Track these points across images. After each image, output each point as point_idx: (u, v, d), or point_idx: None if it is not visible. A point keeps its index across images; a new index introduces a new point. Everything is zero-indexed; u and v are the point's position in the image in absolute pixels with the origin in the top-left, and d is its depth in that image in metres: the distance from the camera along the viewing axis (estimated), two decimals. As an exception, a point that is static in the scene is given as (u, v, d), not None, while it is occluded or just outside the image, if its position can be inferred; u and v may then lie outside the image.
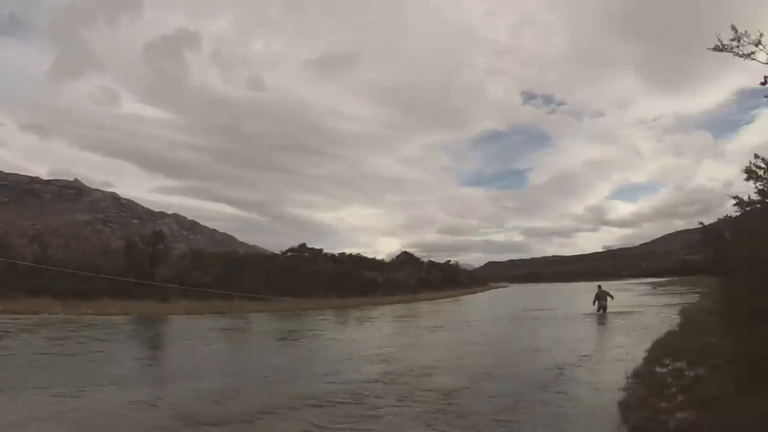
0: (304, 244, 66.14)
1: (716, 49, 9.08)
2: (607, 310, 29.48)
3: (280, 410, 9.16)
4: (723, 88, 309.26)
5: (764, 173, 10.80)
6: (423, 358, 15.56)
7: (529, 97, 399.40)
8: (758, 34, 8.64)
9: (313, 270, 56.22)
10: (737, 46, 8.80)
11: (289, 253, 64.76)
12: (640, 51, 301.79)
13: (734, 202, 13.15)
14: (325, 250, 69.24)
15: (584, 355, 14.91)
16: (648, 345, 14.54)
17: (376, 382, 11.85)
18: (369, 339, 22.24)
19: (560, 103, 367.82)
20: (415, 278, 70.81)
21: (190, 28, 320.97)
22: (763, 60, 8.62)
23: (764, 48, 8.53)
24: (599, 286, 31.77)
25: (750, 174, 10.94)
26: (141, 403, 9.77)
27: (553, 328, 24.07)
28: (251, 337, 24.18)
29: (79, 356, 15.91)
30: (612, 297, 30.66)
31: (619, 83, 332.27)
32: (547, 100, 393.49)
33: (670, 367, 10.83)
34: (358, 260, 71.96)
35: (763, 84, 8.78)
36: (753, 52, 8.67)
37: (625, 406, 8.21)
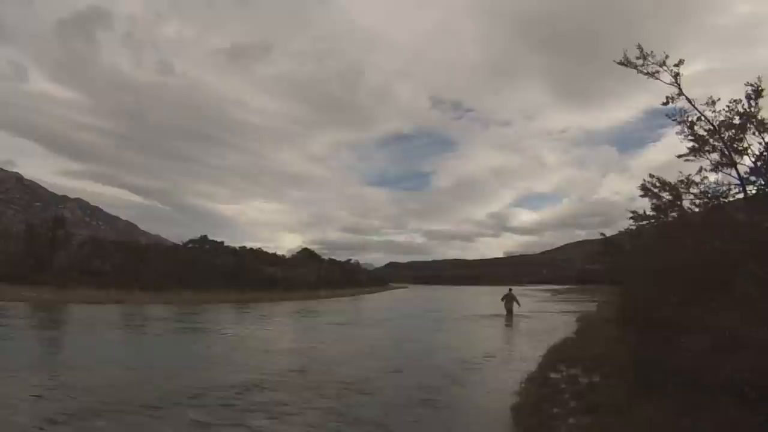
0: (205, 236, 66.21)
1: (621, 63, 9.44)
2: (513, 314, 30.95)
3: (165, 404, 8.88)
4: (631, 106, 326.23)
5: (658, 191, 11.38)
6: (330, 352, 16.07)
7: (437, 101, 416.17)
8: (663, 56, 9.04)
9: (213, 263, 55.58)
10: (642, 65, 9.18)
11: (190, 245, 64.54)
12: (550, 64, 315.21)
13: (630, 216, 13.79)
14: (226, 243, 69.81)
15: (485, 356, 15.32)
16: (544, 350, 14.93)
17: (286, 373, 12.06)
18: (272, 334, 22.14)
19: (468, 110, 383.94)
20: (315, 275, 70.85)
21: (103, 6, 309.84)
22: (667, 81, 9.03)
23: (668, 69, 8.94)
24: (510, 289, 33.53)
25: (645, 191, 11.46)
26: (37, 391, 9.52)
27: (453, 330, 24.87)
28: (148, 329, 23.44)
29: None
30: (519, 304, 32.26)
31: (527, 94, 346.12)
32: (455, 105, 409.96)
33: (564, 373, 11.09)
34: (259, 255, 72.87)
35: (665, 104, 9.22)
36: (657, 72, 9.06)
37: (517, 411, 8.30)
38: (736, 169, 8.43)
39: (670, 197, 9.86)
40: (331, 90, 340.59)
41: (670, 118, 9.26)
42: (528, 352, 15.51)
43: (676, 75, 9.00)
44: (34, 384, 10.25)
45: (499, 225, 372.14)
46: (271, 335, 21.73)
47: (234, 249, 69.37)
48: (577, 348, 14.17)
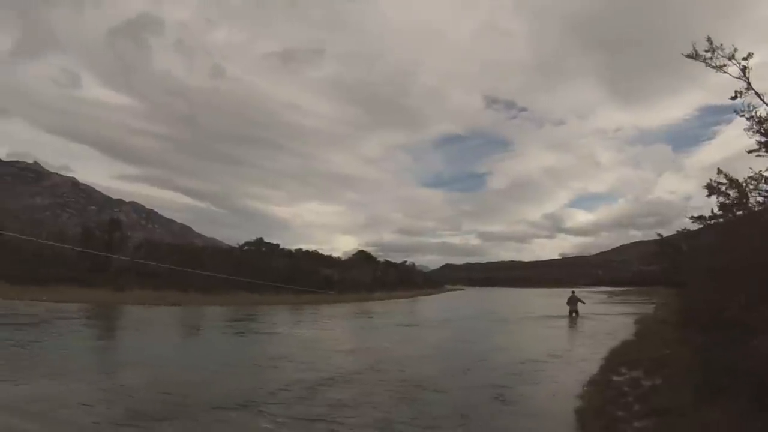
0: (261, 239, 66.39)
1: (689, 56, 9.16)
2: (578, 314, 31.04)
3: (243, 403, 8.94)
4: (685, 104, 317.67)
5: (726, 188, 11.01)
6: (397, 352, 16.22)
7: (490, 101, 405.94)
8: (732, 49, 8.76)
9: (268, 265, 55.68)
10: (710, 57, 8.91)
11: (246, 247, 64.69)
12: (603, 62, 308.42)
13: (691, 218, 13.39)
14: (281, 246, 69.80)
15: (549, 356, 15.12)
16: (604, 352, 14.63)
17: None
18: (335, 335, 22.50)
19: (522, 109, 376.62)
20: (371, 277, 70.65)
21: (153, 14, 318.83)
22: (735, 75, 8.74)
23: (737, 63, 8.64)
24: (573, 292, 33.51)
25: (711, 190, 11.11)
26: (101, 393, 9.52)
27: (515, 331, 24.94)
28: (210, 330, 23.97)
29: (36, 345, 15.42)
30: (584, 303, 32.43)
31: (580, 93, 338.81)
32: (509, 105, 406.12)
33: (626, 376, 10.86)
34: (315, 257, 72.57)
35: (733, 98, 8.93)
36: (725, 65, 8.78)
37: (581, 414, 8.14)
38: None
39: (737, 195, 9.57)
40: (382, 92, 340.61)
41: (738, 114, 8.94)
42: (589, 354, 15.23)
43: (744, 68, 8.69)
44: (102, 387, 10.27)
45: (554, 226, 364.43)
46: (334, 336, 22.01)
47: (289, 251, 69.55)
48: (637, 350, 13.86)
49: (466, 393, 10.40)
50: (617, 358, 13.11)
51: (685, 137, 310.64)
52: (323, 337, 21.20)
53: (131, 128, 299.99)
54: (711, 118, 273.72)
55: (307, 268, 60.59)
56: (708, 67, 9.05)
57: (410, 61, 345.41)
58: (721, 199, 10.35)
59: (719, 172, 10.36)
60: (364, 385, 10.95)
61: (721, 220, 10.78)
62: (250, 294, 44.17)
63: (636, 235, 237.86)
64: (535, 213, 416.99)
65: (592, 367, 12.47)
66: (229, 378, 11.50)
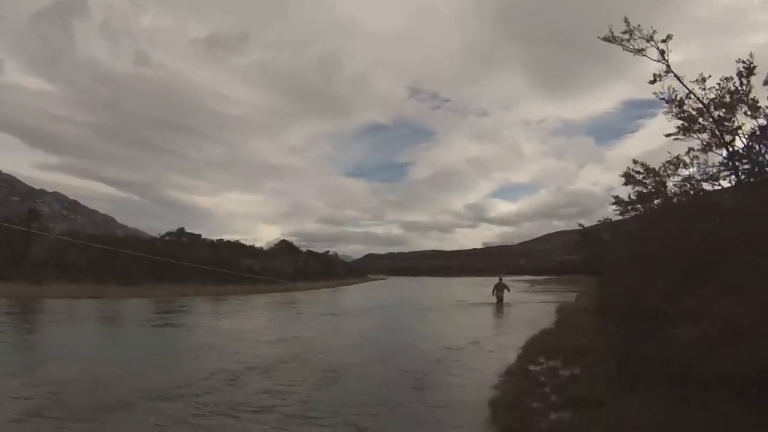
0: (182, 229, 66.00)
1: (606, 39, 8.93)
2: (504, 302, 31.64)
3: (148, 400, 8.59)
4: (609, 97, 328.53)
5: (642, 178, 11.04)
6: (317, 342, 16.37)
7: (414, 91, 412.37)
8: (651, 30, 8.59)
9: (189, 256, 54.42)
10: (628, 40, 8.72)
11: (167, 237, 64.17)
12: (528, 54, 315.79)
13: (613, 201, 13.39)
14: (203, 236, 69.86)
15: (467, 344, 15.22)
16: (524, 340, 14.53)
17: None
18: (256, 325, 21.95)
19: (445, 100, 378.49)
20: (293, 267, 70.24)
21: None
22: (654, 57, 8.60)
23: (655, 44, 8.49)
24: (500, 279, 34.66)
25: (628, 179, 11.11)
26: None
27: (436, 319, 24.91)
28: (126, 322, 23.39)
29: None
30: (509, 290, 33.33)
31: (505, 84, 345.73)
32: (433, 95, 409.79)
33: (544, 366, 10.68)
34: (236, 247, 72.46)
35: (652, 82, 8.81)
36: (644, 49, 8.62)
37: (495, 406, 7.86)
38: (727, 150, 8.00)
39: (654, 183, 9.54)
40: (308, 80, 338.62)
41: (657, 96, 8.84)
42: (509, 342, 15.22)
43: (663, 51, 8.53)
44: (26, 383, 9.86)
45: (477, 216, 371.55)
46: (257, 326, 21.61)
47: (211, 242, 69.19)
48: (556, 339, 13.70)
49: (384, 381, 10.41)
50: (536, 347, 12.94)
51: (609, 130, 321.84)
52: (247, 327, 20.87)
53: (54, 115, 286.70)
54: (635, 111, 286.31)
55: (228, 259, 59.90)
56: (626, 51, 8.86)
57: (336, 50, 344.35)
58: (638, 188, 10.33)
59: (635, 162, 10.33)
60: (287, 373, 11.09)
61: (640, 207, 10.77)
62: (172, 285, 43.90)
63: (558, 225, 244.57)
64: (458, 203, 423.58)
65: (511, 356, 12.33)
66: (153, 370, 11.34)
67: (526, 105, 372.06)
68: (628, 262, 10.16)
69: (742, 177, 8.05)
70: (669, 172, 9.11)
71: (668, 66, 8.54)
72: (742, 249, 6.36)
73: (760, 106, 7.49)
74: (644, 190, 10.13)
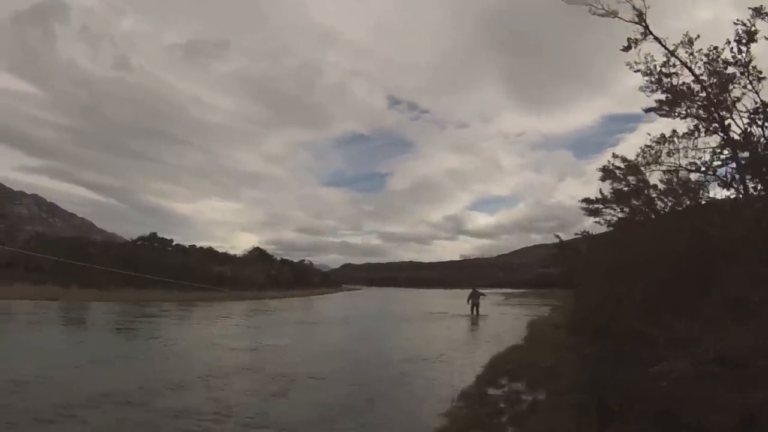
0: (154, 234, 64.70)
1: (571, 1, 7.74)
2: (480, 313, 31.50)
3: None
4: (589, 112, 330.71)
5: (622, 174, 9.95)
6: (277, 351, 15.67)
7: (394, 101, 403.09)
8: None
9: (158, 261, 53.46)
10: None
11: (140, 242, 62.58)
12: (508, 67, 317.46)
13: (581, 201, 12.26)
14: (183, 242, 68.97)
15: (435, 358, 13.65)
16: (488, 358, 13.20)
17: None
18: (211, 334, 20.41)
19: (424, 111, 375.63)
20: (265, 275, 68.78)
21: None
22: (627, 18, 7.32)
23: (631, 2, 7.23)
24: (474, 288, 34.48)
25: (607, 174, 9.98)
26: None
27: (409, 331, 23.58)
28: (80, 327, 22.11)
29: None
30: (484, 295, 33.70)
31: (484, 96, 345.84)
32: (412, 106, 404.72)
33: (506, 389, 9.32)
34: (209, 253, 70.82)
35: (626, 48, 7.52)
36: (615, 12, 7.32)
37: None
38: (722, 135, 6.71)
39: (635, 181, 8.37)
40: (287, 88, 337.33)
41: (631, 67, 7.55)
42: (475, 357, 14.01)
43: (641, 13, 7.24)
44: None
45: (456, 228, 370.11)
46: (218, 334, 20.33)
47: (183, 247, 67.77)
48: (524, 357, 12.39)
49: (338, 394, 9.84)
50: (501, 365, 11.56)
51: (589, 144, 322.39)
52: (210, 335, 19.82)
53: (35, 118, 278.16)
54: (615, 125, 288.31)
55: (199, 265, 58.69)
56: (595, 16, 7.56)
57: (315, 58, 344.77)
58: (616, 184, 9.12)
59: (615, 156, 9.12)
60: (236, 383, 10.69)
61: (616, 206, 9.55)
62: (138, 290, 41.96)
63: (536, 239, 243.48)
64: (436, 214, 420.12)
65: (472, 374, 11.07)
66: (106, 375, 10.88)
67: (506, 118, 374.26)
68: (602, 273, 8.92)
69: (737, 168, 6.79)
70: (649, 159, 7.82)
71: (646, 28, 7.26)
72: (742, 255, 5.09)
73: (765, 78, 6.27)
74: (623, 188, 8.95)
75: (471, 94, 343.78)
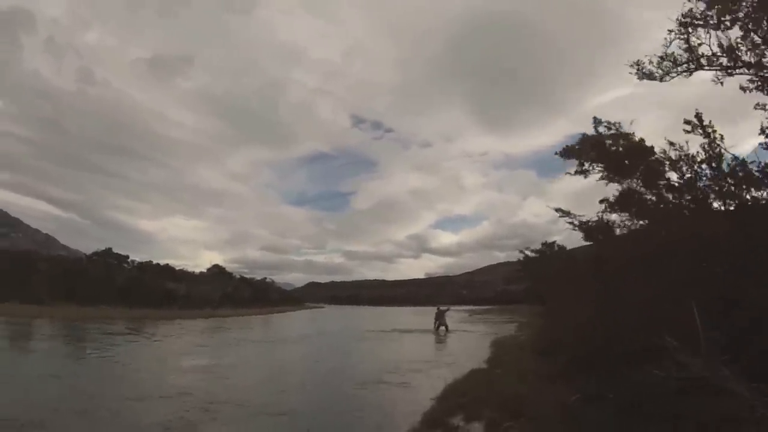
0: (110, 249, 62.53)
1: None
2: (448, 329, 32.18)
3: None
4: (551, 132, 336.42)
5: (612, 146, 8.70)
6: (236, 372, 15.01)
7: (357, 120, 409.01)
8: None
9: (105, 276, 52.18)
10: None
11: (94, 257, 60.40)
12: (472, 89, 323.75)
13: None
14: (147, 260, 67.78)
15: (389, 382, 12.16)
16: (442, 385, 11.16)
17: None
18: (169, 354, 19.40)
19: (388, 130, 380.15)
20: (221, 293, 67.56)
21: (26, 7, 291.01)
22: None
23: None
24: (438, 308, 35.40)
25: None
26: None
27: (367, 350, 23.13)
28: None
29: None
30: (449, 309, 35.76)
31: (448, 116, 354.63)
32: (376, 125, 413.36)
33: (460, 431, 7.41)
34: (164, 270, 68.87)
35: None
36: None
37: None
38: None
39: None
40: (251, 106, 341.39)
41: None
42: (430, 381, 12.50)
43: None
44: None
45: (419, 246, 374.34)
46: (166, 353, 19.56)
47: (139, 264, 65.68)
48: (485, 384, 10.36)
49: (264, 427, 8.94)
50: (455, 398, 9.51)
51: (551, 163, 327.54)
52: (159, 354, 19.01)
53: None
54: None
55: (150, 282, 57.37)
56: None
57: (279, 77, 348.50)
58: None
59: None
60: (174, 405, 9.93)
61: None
62: (81, 307, 41.05)
63: (499, 257, 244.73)
64: (400, 233, 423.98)
65: (420, 408, 9.14)
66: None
67: (469, 138, 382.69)
68: (585, 286, 7.16)
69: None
70: (668, 66, 6.00)
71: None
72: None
73: None
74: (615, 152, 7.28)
75: (435, 114, 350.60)
